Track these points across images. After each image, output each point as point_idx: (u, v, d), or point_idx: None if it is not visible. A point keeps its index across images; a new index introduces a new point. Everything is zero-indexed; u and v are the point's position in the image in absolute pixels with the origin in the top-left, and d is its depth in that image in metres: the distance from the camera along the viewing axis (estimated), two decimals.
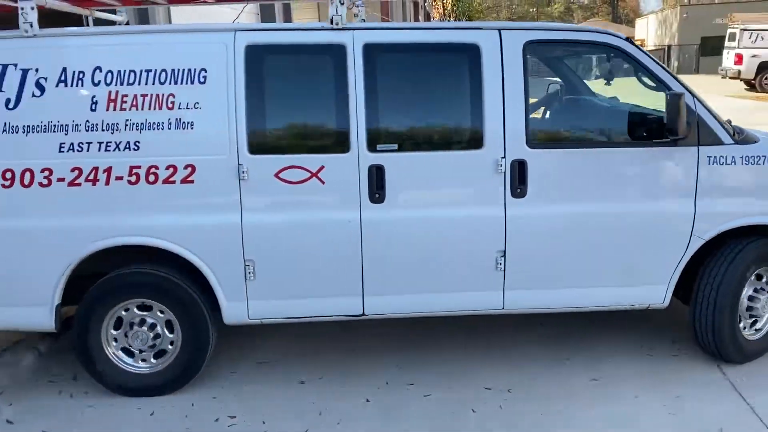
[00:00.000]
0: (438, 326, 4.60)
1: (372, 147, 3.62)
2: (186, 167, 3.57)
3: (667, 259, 3.89)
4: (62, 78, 3.53)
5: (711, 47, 39.97)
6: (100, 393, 3.85)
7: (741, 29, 21.53)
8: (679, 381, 3.87)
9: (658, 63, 3.87)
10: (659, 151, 3.77)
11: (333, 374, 4.02)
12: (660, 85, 3.82)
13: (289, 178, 3.61)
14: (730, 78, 22.17)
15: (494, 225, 3.72)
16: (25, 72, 3.52)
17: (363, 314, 3.82)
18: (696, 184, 3.81)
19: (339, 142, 3.63)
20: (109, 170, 3.55)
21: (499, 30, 3.72)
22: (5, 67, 3.52)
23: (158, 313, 3.77)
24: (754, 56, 20.80)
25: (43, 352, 4.38)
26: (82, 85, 3.54)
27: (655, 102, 3.95)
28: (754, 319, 4.04)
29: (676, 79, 3.84)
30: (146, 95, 3.54)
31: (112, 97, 3.53)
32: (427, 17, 33.42)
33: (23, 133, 3.53)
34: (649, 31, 51.86)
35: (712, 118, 3.85)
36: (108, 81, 3.53)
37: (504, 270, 3.79)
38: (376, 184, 3.63)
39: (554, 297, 3.92)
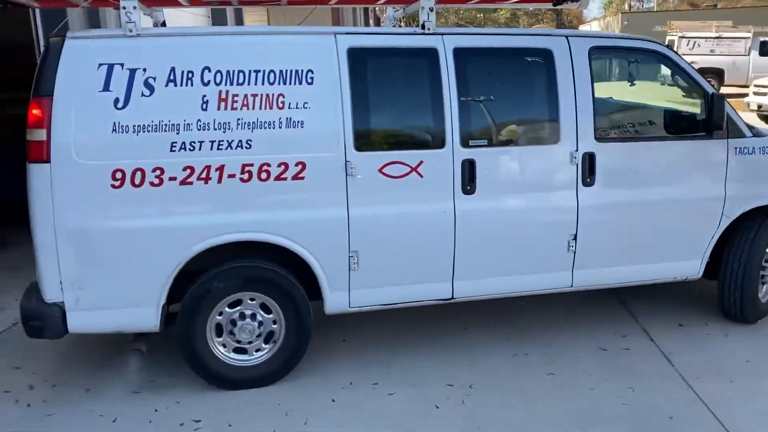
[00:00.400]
0: (398, 326, 4.68)
1: (464, 143, 3.94)
2: (297, 164, 3.71)
3: (704, 237, 4.49)
4: (171, 78, 3.56)
5: None
6: (60, 401, 3.79)
7: (679, 37, 22.39)
8: (632, 374, 4.04)
9: (692, 67, 4.53)
10: (698, 143, 4.41)
11: (296, 377, 4.04)
12: (695, 85, 4.46)
13: (391, 173, 3.85)
14: (668, 85, 22.95)
15: (568, 211, 4.17)
16: (132, 72, 3.52)
17: (452, 298, 4.14)
18: (726, 171, 4.44)
19: (435, 139, 3.93)
20: (221, 168, 3.62)
21: (567, 37, 4.17)
22: (111, 66, 3.50)
23: (260, 307, 3.85)
24: (691, 63, 21.59)
25: None
26: (192, 85, 3.59)
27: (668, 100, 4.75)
28: (765, 284, 4.71)
29: (706, 81, 4.50)
30: (257, 95, 3.66)
31: (223, 96, 3.61)
32: (377, 22, 33.55)
33: (134, 132, 3.52)
34: None
35: (736, 115, 4.51)
36: (218, 81, 3.61)
37: (574, 252, 4.23)
38: (468, 177, 3.96)
39: (613, 274, 4.41)
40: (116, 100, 3.49)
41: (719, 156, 4.41)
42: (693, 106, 4.53)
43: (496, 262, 4.13)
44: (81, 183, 3.50)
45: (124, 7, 3.51)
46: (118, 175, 3.52)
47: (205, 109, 3.59)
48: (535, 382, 3.97)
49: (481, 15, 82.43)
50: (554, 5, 4.96)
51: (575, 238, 4.19)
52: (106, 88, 3.49)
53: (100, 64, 3.48)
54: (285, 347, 3.90)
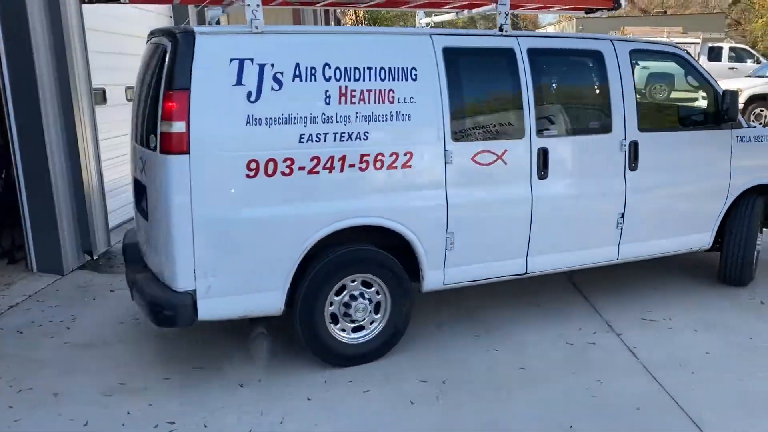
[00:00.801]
0: None
1: (540, 133, 4.45)
2: (405, 154, 4.06)
3: (714, 212, 5.28)
4: (297, 73, 3.78)
5: None
6: (27, 406, 3.70)
7: None
8: (598, 367, 4.16)
9: (704, 69, 5.35)
10: (712, 132, 5.20)
11: (271, 377, 4.04)
12: (707, 83, 5.23)
13: (481, 161, 4.30)
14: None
15: (619, 193, 4.77)
16: (262, 67, 3.70)
17: (525, 273, 4.64)
18: (731, 155, 5.23)
19: (517, 129, 4.41)
20: (343, 158, 3.91)
21: (612, 41, 4.79)
22: (242, 61, 3.67)
23: (366, 287, 4.17)
24: (644, 68, 22.24)
25: None
26: (315, 80, 3.83)
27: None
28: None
29: (715, 80, 5.30)
30: (371, 90, 3.96)
31: (342, 91, 3.89)
32: (338, 23, 33.55)
33: (266, 125, 3.72)
34: None
35: None
36: (337, 77, 3.88)
37: (621, 228, 4.83)
38: (542, 164, 4.46)
39: (647, 247, 5.08)
40: (249, 94, 3.68)
41: (726, 142, 5.23)
42: (705, 102, 5.37)
43: (561, 239, 4.68)
44: (219, 173, 3.66)
45: (249, 5, 3.72)
46: (253, 165, 3.70)
47: (328, 103, 3.86)
48: (506, 377, 4.05)
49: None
50: (586, 13, 5.51)
51: (623, 216, 4.81)
52: (239, 82, 3.66)
53: (232, 59, 3.65)
54: (391, 319, 4.23)
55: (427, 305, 4.86)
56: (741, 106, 15.01)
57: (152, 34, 4.28)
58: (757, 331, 4.66)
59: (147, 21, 7.96)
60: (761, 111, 15.44)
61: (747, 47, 23.51)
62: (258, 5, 3.73)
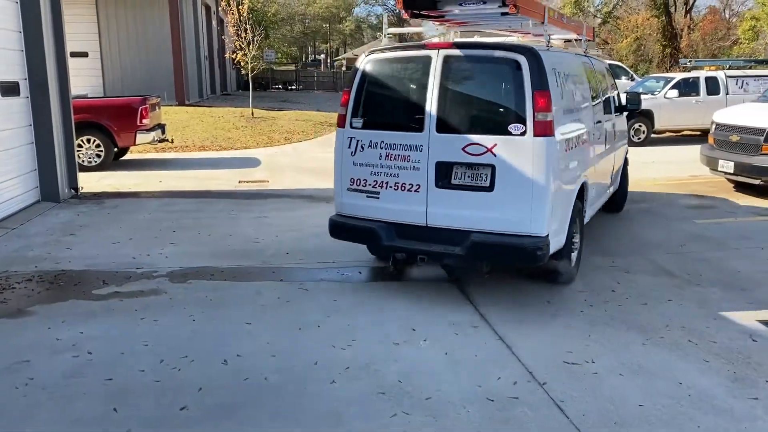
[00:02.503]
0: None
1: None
2: None
3: None
4: (565, 74, 5.70)
5: None
6: None
7: None
8: (476, 359, 3.65)
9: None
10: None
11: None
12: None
13: None
14: None
15: None
16: (558, 73, 5.42)
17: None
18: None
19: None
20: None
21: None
22: (554, 69, 5.32)
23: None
24: None
25: None
26: (567, 80, 5.80)
27: None
28: None
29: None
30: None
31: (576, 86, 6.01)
32: (220, 23, 31.99)
33: (567, 114, 5.55)
34: None
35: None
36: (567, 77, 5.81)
37: None
38: None
39: None
40: (560, 93, 5.43)
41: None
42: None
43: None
44: (561, 150, 5.21)
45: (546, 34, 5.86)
46: (566, 144, 5.36)
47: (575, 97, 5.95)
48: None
49: (327, 25, 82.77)
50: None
51: None
52: (556, 84, 5.36)
53: (552, 68, 5.32)
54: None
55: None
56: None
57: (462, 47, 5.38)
58: (681, 374, 4.23)
59: None
60: (640, 126, 15.91)
61: (622, 64, 24.57)
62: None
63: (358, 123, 5.57)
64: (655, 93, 16.37)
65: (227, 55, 20.88)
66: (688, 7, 55.30)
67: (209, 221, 8.21)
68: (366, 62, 5.61)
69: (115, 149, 12.44)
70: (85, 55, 20.99)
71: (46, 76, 8.98)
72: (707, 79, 16.36)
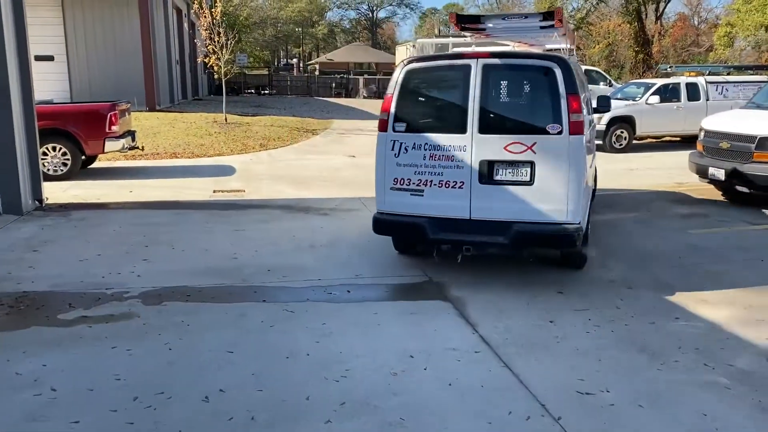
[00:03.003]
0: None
1: None
2: None
3: None
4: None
5: None
6: None
7: None
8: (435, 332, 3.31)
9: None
10: None
11: None
12: None
13: None
14: None
15: None
16: None
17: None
18: None
19: None
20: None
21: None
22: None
23: None
24: None
25: None
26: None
27: None
28: None
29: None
30: None
31: None
32: (192, 26, 31.32)
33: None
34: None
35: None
36: None
37: None
38: None
39: None
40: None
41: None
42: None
43: None
44: (586, 147, 6.10)
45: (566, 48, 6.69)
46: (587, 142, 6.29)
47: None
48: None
49: (300, 29, 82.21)
50: None
51: None
52: None
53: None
54: None
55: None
56: (603, 127, 15.25)
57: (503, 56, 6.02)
58: (703, 404, 3.92)
59: None
60: (621, 132, 15.77)
61: (600, 70, 24.52)
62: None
63: (401, 127, 5.98)
64: (636, 99, 16.27)
65: (200, 59, 20.26)
66: (658, 14, 56.06)
67: (184, 235, 7.74)
68: (406, 71, 6.02)
69: (83, 157, 11.84)
70: (50, 59, 20.23)
71: (7, 80, 8.43)
72: (688, 84, 16.30)
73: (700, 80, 16.42)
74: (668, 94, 16.18)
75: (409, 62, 6.09)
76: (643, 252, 7.19)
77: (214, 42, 18.08)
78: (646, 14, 52.75)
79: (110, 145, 11.72)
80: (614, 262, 6.75)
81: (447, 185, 5.82)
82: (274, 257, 6.86)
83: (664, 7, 56.74)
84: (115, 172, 12.54)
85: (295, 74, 59.96)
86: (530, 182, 5.65)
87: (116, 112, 11.69)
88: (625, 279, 6.22)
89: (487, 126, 5.76)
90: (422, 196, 5.90)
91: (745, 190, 9.19)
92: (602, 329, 5.00)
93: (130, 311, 5.22)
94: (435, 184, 5.85)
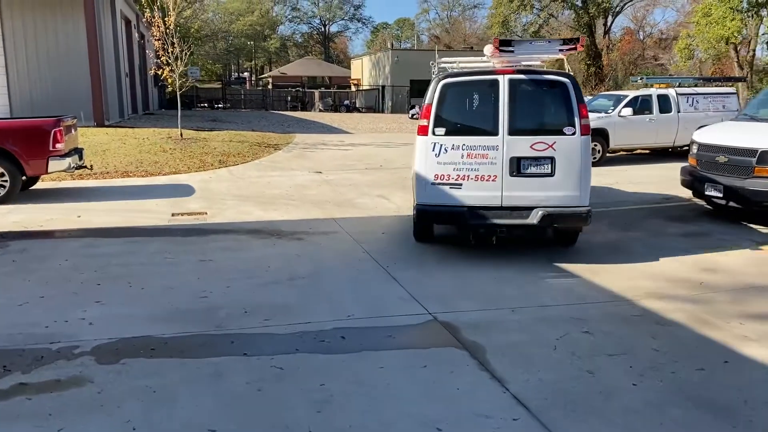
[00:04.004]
0: None
1: None
2: None
3: None
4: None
5: (418, 89, 43.19)
6: None
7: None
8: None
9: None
10: None
11: None
12: None
13: None
14: None
15: None
16: None
17: None
18: None
19: None
20: None
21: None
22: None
23: None
24: None
25: None
26: None
27: None
28: None
29: None
30: None
31: None
32: (141, 37, 29.99)
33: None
34: (363, 72, 54.36)
35: None
36: None
37: None
38: None
39: None
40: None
41: None
42: None
43: None
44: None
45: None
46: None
47: None
48: None
49: (252, 42, 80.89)
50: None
51: None
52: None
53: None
54: None
55: None
56: None
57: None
58: None
59: None
60: (595, 146, 15.33)
61: None
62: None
63: (441, 131, 7.09)
64: (609, 111, 15.88)
65: (152, 71, 19.04)
66: (606, 28, 57.07)
67: (142, 268, 6.76)
68: (443, 84, 7.18)
69: (24, 178, 10.68)
70: None
71: None
72: (659, 96, 16.01)
73: (671, 92, 16.16)
74: (640, 106, 15.85)
75: (445, 77, 7.24)
76: (657, 276, 6.55)
77: (168, 53, 16.98)
78: (595, 28, 53.59)
79: (55, 165, 10.60)
80: (633, 291, 6.08)
81: (482, 179, 6.97)
82: (250, 294, 5.96)
83: (612, 22, 57.88)
84: (61, 194, 11.38)
85: (247, 88, 58.74)
86: (552, 174, 6.88)
87: (61, 128, 10.58)
88: (651, 311, 5.55)
89: (515, 129, 6.92)
90: (461, 188, 7.03)
91: (738, 206, 8.73)
92: (648, 379, 4.28)
93: (81, 374, 4.25)
94: (471, 178, 6.99)
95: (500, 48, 7.36)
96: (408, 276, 6.53)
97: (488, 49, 8.01)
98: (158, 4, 16.47)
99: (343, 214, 9.71)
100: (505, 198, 6.95)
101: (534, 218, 6.85)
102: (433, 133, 7.07)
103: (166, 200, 10.78)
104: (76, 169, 11.43)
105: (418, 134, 7.20)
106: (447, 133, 7.05)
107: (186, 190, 11.82)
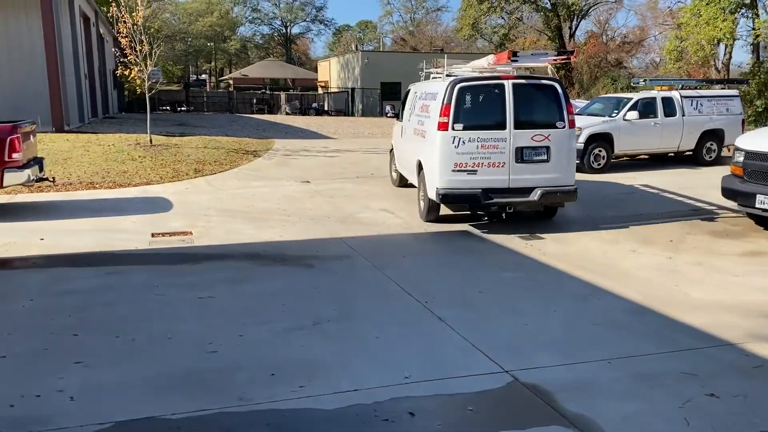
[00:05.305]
0: None
1: None
2: None
3: None
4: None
5: (390, 92, 42.18)
6: None
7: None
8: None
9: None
10: None
11: None
12: None
13: None
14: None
15: None
16: None
17: None
18: None
19: None
20: None
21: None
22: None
23: None
24: None
25: None
26: None
27: None
28: None
29: None
30: None
31: None
32: (100, 37, 28.22)
33: None
34: (332, 74, 53.00)
35: None
36: None
37: None
38: None
39: None
40: None
41: None
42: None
43: None
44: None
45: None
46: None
47: None
48: None
49: (212, 44, 78.74)
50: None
51: None
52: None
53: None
54: None
55: None
56: (581, 146, 13.88)
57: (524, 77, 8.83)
58: None
59: None
60: (600, 151, 14.46)
61: None
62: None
63: (459, 126, 8.34)
64: (613, 115, 15.03)
65: (119, 72, 17.44)
66: (572, 32, 57.01)
67: (129, 309, 5.49)
68: (459, 87, 8.44)
69: None
70: None
71: None
72: (663, 99, 15.23)
73: (675, 95, 15.40)
74: (645, 109, 15.05)
75: (460, 81, 8.55)
76: (748, 311, 5.57)
77: (137, 52, 15.51)
78: (563, 32, 53.41)
79: (11, 178, 9.16)
80: (726, 331, 5.08)
81: (493, 165, 8.37)
82: (271, 345, 4.77)
83: (578, 25, 57.91)
84: (19, 210, 9.90)
85: (208, 90, 56.84)
86: (547, 160, 8.42)
87: (18, 135, 9.14)
88: (717, 364, 4.55)
89: (519, 124, 8.37)
90: (476, 174, 8.37)
91: None
92: None
93: None
94: (485, 165, 8.36)
95: (512, 59, 8.87)
96: (456, 315, 5.41)
97: (491, 58, 9.66)
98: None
99: (350, 233, 8.54)
100: (512, 180, 8.41)
101: (535, 196, 8.33)
102: (453, 128, 8.32)
103: (141, 217, 9.44)
104: (37, 181, 9.99)
105: (438, 130, 8.38)
106: (465, 129, 8.33)
107: (162, 204, 10.48)
